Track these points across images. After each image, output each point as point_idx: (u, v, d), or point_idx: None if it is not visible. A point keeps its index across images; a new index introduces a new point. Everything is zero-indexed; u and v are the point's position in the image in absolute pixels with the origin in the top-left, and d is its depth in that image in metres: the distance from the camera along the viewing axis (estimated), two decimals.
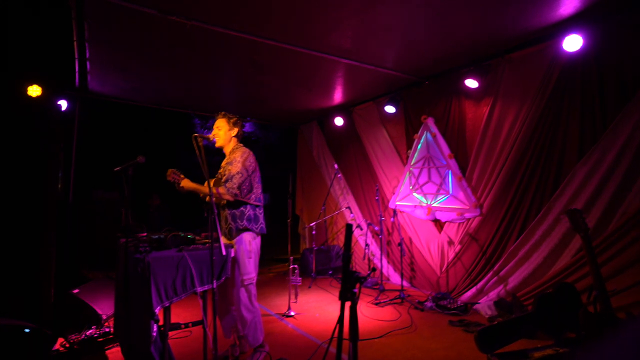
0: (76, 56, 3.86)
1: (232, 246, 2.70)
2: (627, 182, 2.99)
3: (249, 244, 2.76)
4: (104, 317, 3.30)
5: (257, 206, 2.87)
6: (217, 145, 2.93)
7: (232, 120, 2.92)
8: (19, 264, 3.49)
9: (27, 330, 2.58)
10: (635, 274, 2.85)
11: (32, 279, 3.52)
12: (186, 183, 2.71)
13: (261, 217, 2.89)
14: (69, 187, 4.86)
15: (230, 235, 2.79)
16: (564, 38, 3.22)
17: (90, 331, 3.17)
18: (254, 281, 2.79)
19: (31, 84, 4.06)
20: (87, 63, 4.07)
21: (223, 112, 2.96)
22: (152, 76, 4.65)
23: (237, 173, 2.71)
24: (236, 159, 2.78)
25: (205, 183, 2.42)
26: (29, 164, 3.73)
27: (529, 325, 2.27)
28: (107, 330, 3.22)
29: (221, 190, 2.68)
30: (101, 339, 3.13)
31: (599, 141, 3.16)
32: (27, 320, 2.71)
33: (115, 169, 2.58)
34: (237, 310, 2.73)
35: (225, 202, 2.79)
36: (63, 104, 4.62)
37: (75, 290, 3.45)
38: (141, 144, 10.24)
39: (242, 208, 2.78)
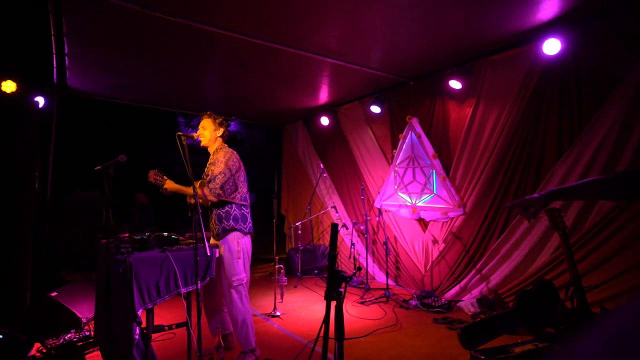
0: (54, 51, 3.73)
1: (217, 246, 2.67)
2: None
3: (237, 244, 2.74)
4: (84, 320, 3.21)
5: (243, 205, 2.85)
6: (202, 144, 2.92)
7: (217, 121, 2.91)
8: None
9: (0, 337, 2.48)
10: (609, 270, 2.97)
11: (6, 282, 3.39)
12: (170, 184, 2.67)
13: (249, 216, 2.88)
14: (46, 186, 4.70)
15: (218, 237, 2.77)
16: (543, 42, 3.32)
17: (69, 335, 3.07)
18: (244, 282, 2.76)
19: (5, 79, 3.91)
20: (66, 58, 3.93)
21: (209, 112, 2.94)
22: (134, 73, 4.54)
23: (220, 173, 2.70)
24: (219, 159, 2.76)
25: (192, 185, 2.37)
26: (3, 163, 3.59)
27: (510, 322, 2.32)
28: (87, 334, 3.13)
29: (205, 191, 2.66)
30: (81, 343, 3.04)
31: (576, 142, 3.26)
32: (1, 325, 2.61)
33: (96, 168, 2.52)
34: (229, 311, 2.72)
35: (210, 203, 2.77)
36: (40, 100, 4.45)
37: (53, 293, 3.34)
38: (123, 143, 10.02)
39: (227, 208, 2.76)
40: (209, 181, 2.69)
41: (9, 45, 3.86)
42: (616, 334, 0.39)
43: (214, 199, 2.69)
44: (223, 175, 2.70)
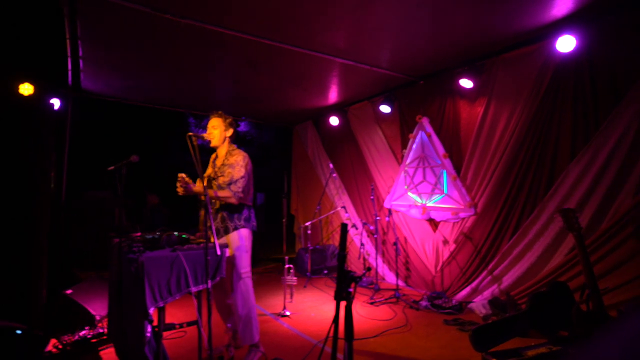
0: (69, 54, 3.82)
1: (227, 246, 2.70)
2: (618, 182, 3.03)
3: (246, 240, 2.86)
4: (98, 317, 3.27)
5: (251, 206, 2.97)
6: (212, 145, 2.96)
7: (227, 121, 2.96)
8: (10, 265, 3.44)
9: (18, 332, 2.54)
10: (626, 272, 2.89)
11: (24, 280, 3.48)
12: (195, 188, 2.71)
13: (253, 215, 2.99)
14: (61, 186, 4.81)
15: (225, 234, 2.82)
16: (557, 39, 3.25)
17: (83, 332, 3.14)
18: (250, 275, 2.87)
19: (23, 82, 4.01)
20: (80, 61, 4.02)
21: (220, 112, 2.97)
22: (146, 75, 4.61)
23: (242, 177, 2.79)
24: (238, 163, 2.83)
25: (198, 181, 2.42)
26: (20, 163, 3.68)
27: (522, 324, 2.28)
28: (100, 331, 3.19)
29: (227, 193, 2.74)
30: (94, 340, 3.11)
31: (591, 141, 3.19)
32: (19, 321, 2.67)
33: (109, 168, 2.57)
34: (234, 304, 2.77)
35: (219, 204, 2.83)
36: (55, 102, 4.55)
37: (68, 291, 3.41)
38: (135, 143, 10.18)
39: (241, 209, 2.87)
40: (230, 183, 2.76)
41: (26, 49, 3.95)
42: (634, 338, 0.37)
43: (236, 202, 2.79)
44: (244, 179, 2.80)
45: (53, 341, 3.04)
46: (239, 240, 2.81)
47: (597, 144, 3.15)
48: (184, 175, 2.63)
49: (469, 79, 4.03)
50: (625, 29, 3.00)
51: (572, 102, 3.35)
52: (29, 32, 3.82)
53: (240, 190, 2.76)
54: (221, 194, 2.73)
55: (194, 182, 2.80)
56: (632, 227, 2.85)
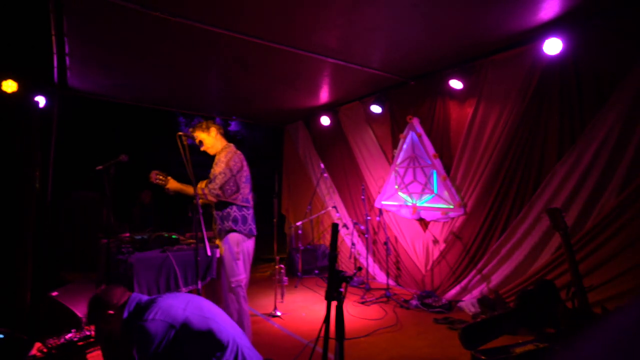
0: (54, 51, 3.74)
1: (217, 246, 2.67)
2: (603, 182, 3.10)
3: (236, 246, 2.72)
4: (85, 320, 3.21)
5: (244, 207, 2.81)
6: (211, 154, 2.91)
7: (203, 126, 2.88)
8: None
9: (1, 336, 2.49)
10: (610, 270, 2.96)
11: (6, 282, 3.40)
12: (172, 184, 2.63)
13: (249, 218, 2.83)
14: (47, 186, 4.70)
15: (219, 237, 2.76)
16: (544, 41, 3.30)
17: (69, 335, 3.07)
18: (242, 283, 2.76)
19: (6, 79, 3.91)
20: (67, 58, 3.94)
21: (191, 128, 2.89)
22: (134, 73, 4.54)
23: (220, 173, 2.67)
24: (221, 159, 2.75)
25: (193, 185, 2.39)
26: (4, 162, 3.59)
27: (511, 322, 2.32)
28: (87, 333, 3.12)
29: (205, 191, 2.65)
30: (81, 343, 3.04)
31: (576, 142, 3.25)
32: (2, 325, 2.61)
33: (97, 168, 2.52)
34: (225, 311, 2.72)
35: (213, 203, 2.77)
36: (41, 100, 4.44)
37: (54, 293, 3.34)
38: (124, 143, 10.03)
39: (227, 209, 2.74)
40: (210, 181, 2.68)
41: (9, 44, 3.86)
42: (618, 335, 0.38)
43: (214, 200, 2.66)
44: (223, 175, 2.67)
45: (38, 345, 2.97)
46: (228, 246, 2.69)
47: (582, 145, 3.21)
48: (156, 170, 2.58)
49: (459, 80, 4.07)
50: (608, 32, 3.07)
51: (559, 104, 3.41)
52: (13, 27, 3.73)
53: (216, 187, 2.62)
54: (203, 191, 2.63)
55: (189, 183, 2.77)
56: None
